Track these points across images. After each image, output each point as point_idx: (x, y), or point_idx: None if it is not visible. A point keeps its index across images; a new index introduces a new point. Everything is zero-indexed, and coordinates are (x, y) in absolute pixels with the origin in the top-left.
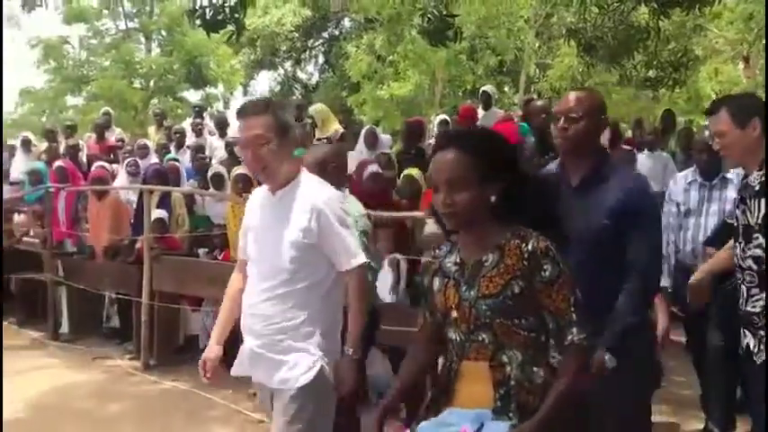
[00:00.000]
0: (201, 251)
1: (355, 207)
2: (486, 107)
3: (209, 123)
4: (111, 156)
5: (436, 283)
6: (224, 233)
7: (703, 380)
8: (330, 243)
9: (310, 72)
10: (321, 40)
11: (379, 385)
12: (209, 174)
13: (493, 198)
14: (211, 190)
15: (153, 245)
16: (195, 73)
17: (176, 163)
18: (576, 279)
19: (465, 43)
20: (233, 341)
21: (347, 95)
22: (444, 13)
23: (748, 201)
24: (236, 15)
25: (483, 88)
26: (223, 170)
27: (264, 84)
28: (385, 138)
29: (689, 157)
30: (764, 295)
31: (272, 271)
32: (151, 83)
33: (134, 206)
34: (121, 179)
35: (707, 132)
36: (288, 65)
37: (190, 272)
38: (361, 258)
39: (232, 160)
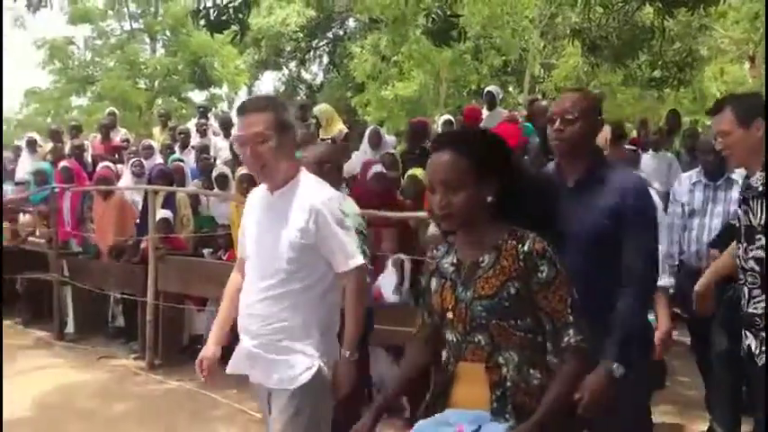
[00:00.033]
0: (206, 251)
1: (350, 207)
2: (491, 107)
3: (213, 124)
4: (116, 156)
5: (433, 283)
6: (228, 233)
7: (708, 380)
8: (328, 244)
9: (315, 72)
10: (325, 41)
11: (384, 385)
12: (214, 174)
13: (489, 199)
14: (216, 190)
15: (158, 245)
16: (200, 73)
17: (181, 163)
18: (573, 280)
19: (469, 43)
20: (234, 340)
21: (352, 96)
22: (448, 13)
23: (751, 202)
24: (240, 16)
25: (487, 88)
26: (227, 170)
27: (269, 84)
28: (389, 138)
29: (694, 157)
30: (766, 297)
31: (269, 271)
32: (156, 83)
33: (139, 206)
34: (126, 179)
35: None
36: (292, 65)
37: (194, 272)
38: (359, 260)
39: (236, 161)
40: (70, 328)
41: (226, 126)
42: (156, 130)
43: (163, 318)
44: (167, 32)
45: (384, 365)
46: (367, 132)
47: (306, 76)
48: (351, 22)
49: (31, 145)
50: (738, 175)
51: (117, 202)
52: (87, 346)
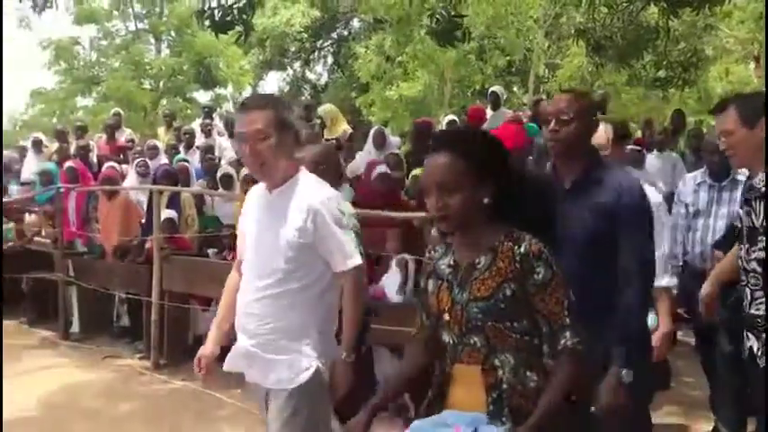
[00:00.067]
0: (211, 251)
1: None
2: (495, 107)
3: (218, 124)
4: (121, 156)
5: (430, 284)
6: (233, 233)
7: (712, 381)
8: (326, 243)
9: (319, 72)
10: (330, 41)
11: None
12: (219, 174)
13: (486, 200)
14: (221, 190)
15: (163, 245)
16: (204, 74)
17: (186, 163)
18: (569, 281)
19: (474, 43)
20: (233, 339)
21: (356, 96)
22: (453, 13)
23: (753, 203)
24: (245, 16)
25: (491, 88)
26: (232, 171)
27: (274, 84)
28: (394, 139)
29: (699, 158)
30: (766, 298)
31: (266, 270)
32: (161, 83)
33: (144, 206)
34: (131, 179)
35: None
36: (297, 65)
37: (199, 272)
38: (357, 260)
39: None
40: (75, 327)
41: (230, 126)
42: (161, 131)
43: (168, 317)
44: (172, 33)
45: (388, 365)
46: (371, 133)
47: (310, 76)
48: (355, 23)
49: (37, 145)
50: (744, 175)
51: (122, 203)
52: (92, 345)
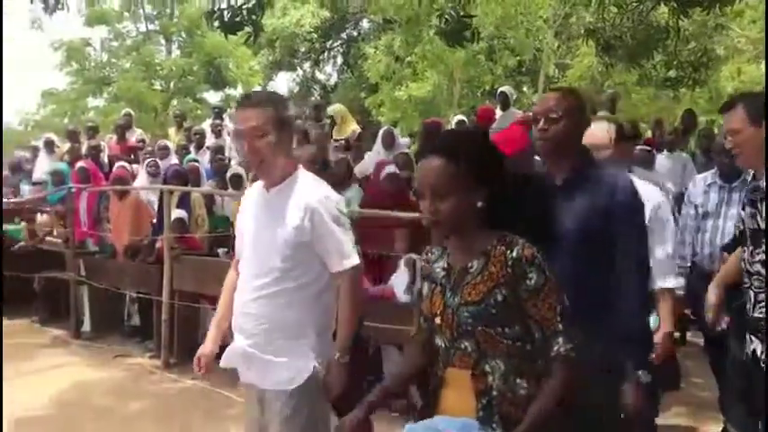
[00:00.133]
0: (221, 251)
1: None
2: (504, 108)
3: (228, 124)
4: (132, 156)
5: (425, 288)
6: None
7: (721, 382)
8: (323, 243)
9: (329, 73)
10: (339, 41)
11: None
12: (228, 174)
13: (480, 204)
14: (230, 190)
15: (173, 244)
16: (215, 74)
17: (196, 164)
18: (563, 278)
19: (483, 44)
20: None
21: (365, 96)
22: (462, 13)
23: (758, 204)
24: (254, 17)
25: (500, 89)
26: (242, 171)
27: (283, 85)
28: (403, 139)
29: (709, 158)
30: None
31: (264, 269)
32: (171, 84)
33: (154, 206)
34: (142, 179)
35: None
36: (306, 66)
37: (209, 271)
38: (355, 260)
39: None
40: (86, 326)
41: None
42: (172, 131)
43: (178, 317)
44: (182, 34)
45: (394, 364)
46: (380, 133)
47: (320, 76)
48: (365, 23)
49: (49, 145)
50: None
51: (133, 202)
52: (103, 344)
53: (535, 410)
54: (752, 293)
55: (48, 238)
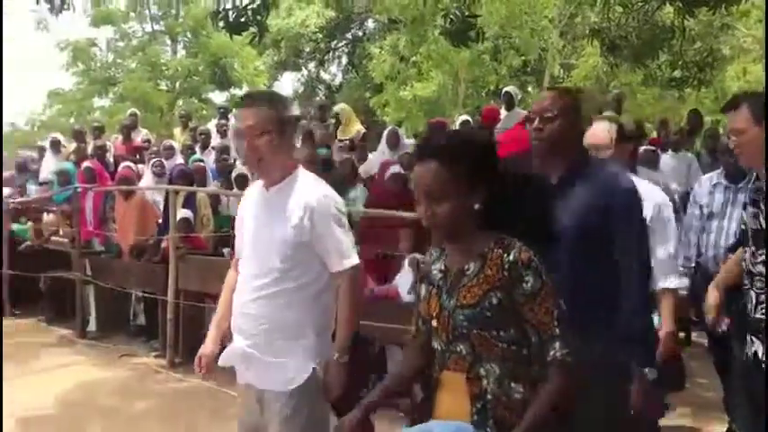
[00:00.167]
0: (226, 251)
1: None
2: (509, 107)
3: (233, 125)
4: (137, 156)
5: (423, 289)
6: None
7: (726, 382)
8: (322, 242)
9: (334, 73)
10: (344, 42)
11: None
12: (233, 174)
13: (476, 207)
14: (235, 190)
15: (178, 244)
16: (220, 74)
17: (202, 164)
18: (562, 278)
19: (488, 43)
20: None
21: (370, 96)
22: (466, 13)
23: (761, 204)
24: (259, 17)
25: (505, 89)
26: (247, 171)
27: (288, 85)
28: (407, 139)
29: (715, 158)
30: (766, 301)
31: (263, 269)
32: (177, 84)
33: (160, 206)
34: (147, 179)
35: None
36: (311, 66)
37: (214, 271)
38: (354, 260)
39: None
40: (92, 326)
41: None
42: (177, 131)
43: (183, 316)
44: (188, 34)
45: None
46: (385, 133)
47: (325, 76)
48: (370, 23)
49: (55, 145)
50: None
51: (138, 202)
52: (109, 344)
53: (530, 416)
54: (753, 294)
55: (54, 238)
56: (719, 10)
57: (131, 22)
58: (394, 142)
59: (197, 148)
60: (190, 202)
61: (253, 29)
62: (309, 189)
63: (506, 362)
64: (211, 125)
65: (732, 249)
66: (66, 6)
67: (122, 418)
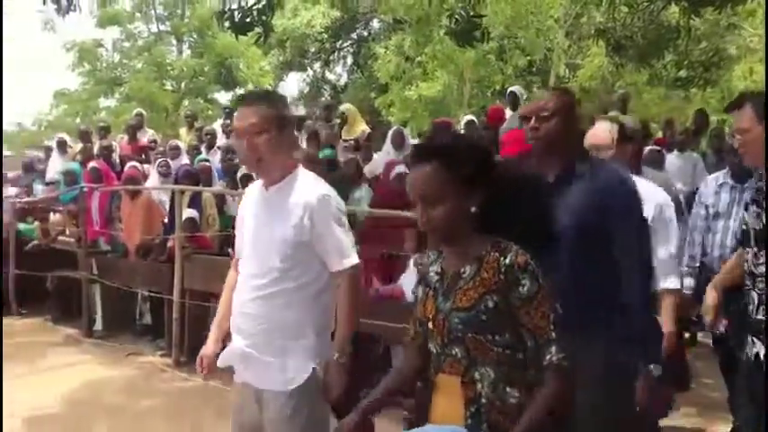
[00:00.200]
0: (231, 250)
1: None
2: (514, 107)
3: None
4: (143, 156)
5: (420, 291)
6: None
7: (730, 382)
8: (322, 242)
9: (339, 73)
10: (350, 42)
11: None
12: (239, 174)
13: (473, 209)
14: (241, 190)
15: (184, 244)
16: (225, 75)
17: (208, 164)
18: (561, 277)
19: (494, 43)
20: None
21: (375, 96)
22: (472, 13)
23: (763, 204)
24: (264, 18)
25: (510, 89)
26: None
27: (294, 85)
28: (412, 140)
29: (720, 158)
30: (766, 300)
31: (263, 268)
32: (182, 85)
33: (166, 206)
34: (153, 179)
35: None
36: (317, 66)
37: (220, 270)
38: (354, 259)
39: None
40: (99, 325)
41: None
42: (183, 131)
43: (189, 316)
44: (194, 34)
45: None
46: (390, 133)
47: (330, 76)
48: (375, 23)
49: (62, 146)
50: None
51: (144, 202)
52: (115, 343)
53: (526, 420)
54: (755, 295)
55: (60, 238)
56: (725, 9)
57: (137, 23)
58: (399, 142)
59: (203, 148)
60: (195, 201)
61: (258, 29)
62: (309, 188)
63: (501, 366)
64: (217, 125)
65: (737, 249)
66: (72, 7)
67: (128, 416)
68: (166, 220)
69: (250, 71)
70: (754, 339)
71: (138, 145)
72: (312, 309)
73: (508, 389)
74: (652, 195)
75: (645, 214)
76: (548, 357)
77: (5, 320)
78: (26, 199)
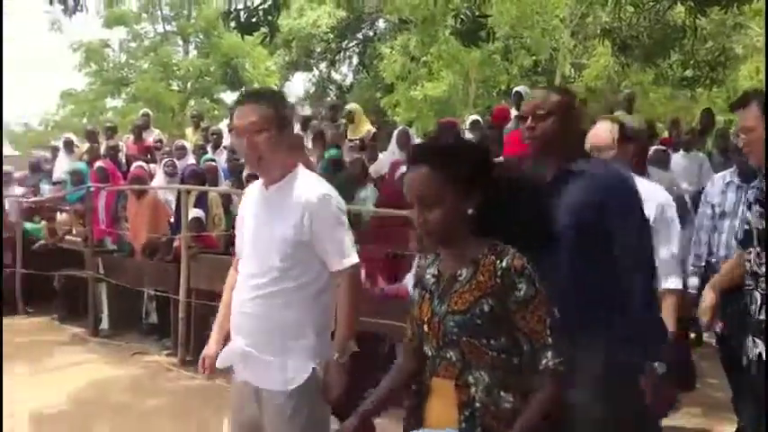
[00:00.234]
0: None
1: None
2: (519, 107)
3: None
4: (149, 156)
5: (416, 294)
6: None
7: (733, 382)
8: (322, 241)
9: (345, 73)
10: (355, 42)
11: None
12: (244, 174)
13: (470, 212)
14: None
15: (190, 243)
16: (231, 75)
17: (214, 163)
18: (560, 277)
19: (499, 43)
20: None
21: (381, 96)
22: (477, 13)
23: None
24: (270, 18)
25: (515, 89)
26: None
27: (299, 85)
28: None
29: (726, 158)
30: (766, 300)
31: (262, 268)
32: (188, 85)
33: (172, 206)
34: (159, 179)
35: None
36: (322, 66)
37: (226, 270)
38: (354, 258)
39: None
40: (105, 324)
41: None
42: (189, 131)
43: (195, 315)
44: (200, 35)
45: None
46: (395, 133)
47: (336, 76)
48: (380, 23)
49: (68, 145)
50: None
51: (150, 202)
52: (121, 342)
53: (521, 424)
54: (758, 295)
55: (67, 237)
56: (732, 9)
57: (143, 23)
58: (404, 142)
59: (209, 148)
60: (201, 201)
61: (264, 29)
62: (309, 187)
63: (496, 370)
64: (223, 125)
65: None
66: (79, 8)
67: (134, 415)
68: (172, 220)
69: (256, 71)
70: (756, 340)
71: (144, 145)
72: (312, 308)
73: (502, 393)
74: (653, 195)
75: (644, 210)
76: (544, 362)
77: (12, 320)
78: (33, 198)
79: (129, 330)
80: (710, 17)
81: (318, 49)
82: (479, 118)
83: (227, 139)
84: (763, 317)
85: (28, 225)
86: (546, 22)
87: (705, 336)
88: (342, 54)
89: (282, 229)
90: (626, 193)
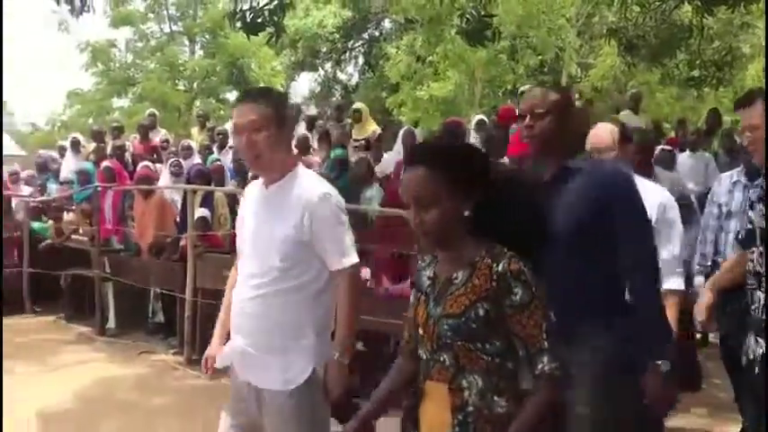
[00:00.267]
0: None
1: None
2: None
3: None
4: (155, 156)
5: (412, 296)
6: None
7: (735, 383)
8: (322, 241)
9: (350, 73)
10: (361, 42)
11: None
12: (250, 174)
13: (467, 213)
14: None
15: (196, 243)
16: (237, 75)
17: (220, 163)
18: (560, 276)
19: (505, 43)
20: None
21: (387, 96)
22: (483, 13)
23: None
24: (276, 18)
25: (521, 88)
26: None
27: (305, 85)
28: None
29: (732, 158)
30: (766, 299)
31: (263, 268)
32: (194, 85)
33: (178, 205)
34: (165, 179)
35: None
36: (328, 66)
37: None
38: (354, 258)
39: None
40: (111, 323)
41: None
42: (195, 131)
43: (201, 314)
44: (206, 35)
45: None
46: (401, 132)
47: (341, 76)
48: (386, 23)
49: (75, 145)
50: None
51: (157, 201)
52: (128, 341)
53: (515, 428)
54: (760, 295)
55: (74, 236)
56: (739, 8)
57: (150, 23)
58: (410, 142)
59: (214, 148)
60: (207, 201)
61: (270, 29)
62: (309, 187)
63: (490, 375)
64: (229, 125)
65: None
66: (86, 8)
67: (140, 413)
68: (179, 220)
69: (262, 71)
70: (759, 339)
71: (150, 145)
72: (313, 309)
73: (496, 398)
74: (654, 195)
75: (644, 207)
76: (539, 366)
77: (20, 319)
78: (40, 198)
79: (135, 329)
80: (717, 16)
81: (324, 49)
82: (485, 118)
83: (232, 140)
84: (763, 316)
85: (35, 224)
86: (552, 22)
87: (711, 336)
88: (347, 54)
89: (282, 228)
90: (625, 190)
